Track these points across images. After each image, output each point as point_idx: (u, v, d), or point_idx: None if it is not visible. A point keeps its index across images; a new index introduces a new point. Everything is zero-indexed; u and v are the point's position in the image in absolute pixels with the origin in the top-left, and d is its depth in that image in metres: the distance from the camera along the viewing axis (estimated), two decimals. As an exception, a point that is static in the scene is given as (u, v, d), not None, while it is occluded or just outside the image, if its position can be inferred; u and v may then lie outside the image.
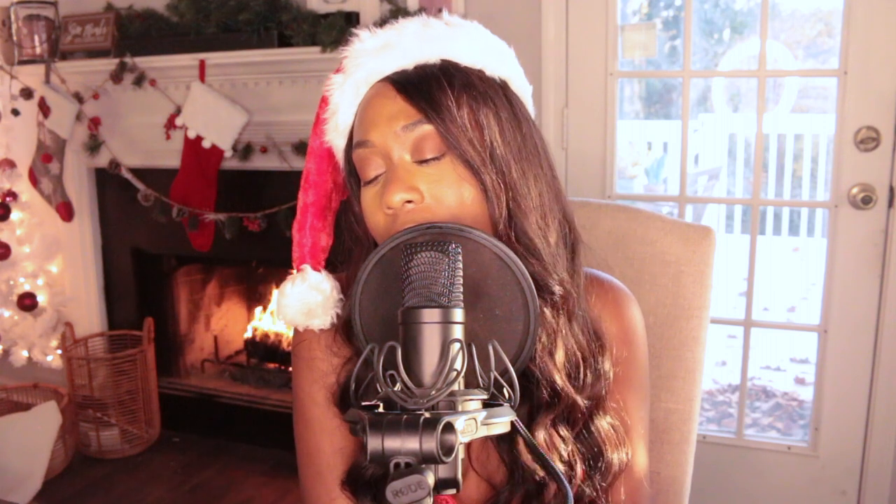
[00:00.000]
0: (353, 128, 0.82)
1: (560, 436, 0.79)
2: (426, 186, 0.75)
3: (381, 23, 0.85)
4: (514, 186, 0.77)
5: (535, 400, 0.78)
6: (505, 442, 0.79)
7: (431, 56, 0.79)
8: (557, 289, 0.78)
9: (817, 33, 4.88)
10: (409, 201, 0.75)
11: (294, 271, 0.88)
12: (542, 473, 0.78)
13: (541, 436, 0.78)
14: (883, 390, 1.96)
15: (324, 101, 0.86)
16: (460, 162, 0.76)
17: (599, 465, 0.81)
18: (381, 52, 0.80)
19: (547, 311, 0.78)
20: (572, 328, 0.81)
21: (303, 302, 0.84)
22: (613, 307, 0.89)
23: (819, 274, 2.12)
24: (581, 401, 0.80)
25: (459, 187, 0.76)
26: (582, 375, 0.81)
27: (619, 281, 0.93)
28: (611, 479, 0.82)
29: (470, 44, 0.81)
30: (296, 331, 0.90)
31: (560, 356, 0.79)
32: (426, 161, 0.76)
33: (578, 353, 0.81)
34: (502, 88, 0.82)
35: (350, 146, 0.83)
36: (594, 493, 0.81)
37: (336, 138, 0.85)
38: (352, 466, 0.85)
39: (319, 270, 0.86)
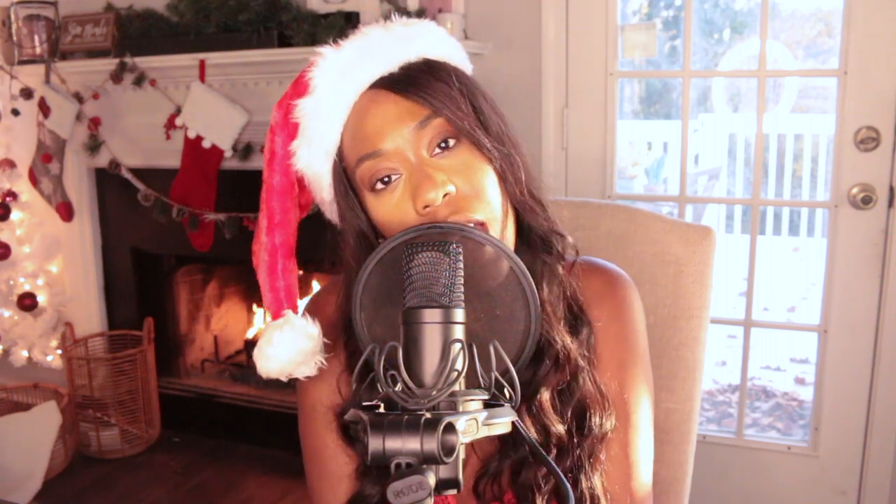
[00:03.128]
0: (341, 145, 0.80)
1: (560, 400, 0.81)
2: (456, 176, 0.76)
3: (334, 37, 0.83)
4: (518, 159, 0.81)
5: (543, 364, 0.79)
6: None
7: (410, 55, 0.79)
8: (569, 240, 0.84)
9: (817, 33, 4.88)
10: (446, 194, 0.75)
11: (269, 319, 0.82)
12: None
13: (545, 396, 0.79)
14: (883, 390, 1.96)
15: (274, 133, 0.82)
16: (474, 146, 0.77)
17: (584, 429, 0.82)
18: (358, 62, 0.78)
19: (559, 268, 0.82)
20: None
21: (295, 351, 0.78)
22: (607, 287, 0.89)
23: (819, 274, 2.12)
24: (583, 364, 0.82)
25: (481, 169, 0.78)
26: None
27: (618, 267, 0.94)
28: (592, 443, 0.82)
29: (433, 40, 0.82)
30: (299, 381, 0.86)
31: (560, 315, 0.82)
32: (442, 153, 0.77)
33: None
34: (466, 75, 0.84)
35: (338, 165, 0.81)
36: (582, 461, 0.81)
37: (316, 164, 0.81)
38: (354, 494, 0.84)
39: (298, 314, 0.81)
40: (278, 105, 0.83)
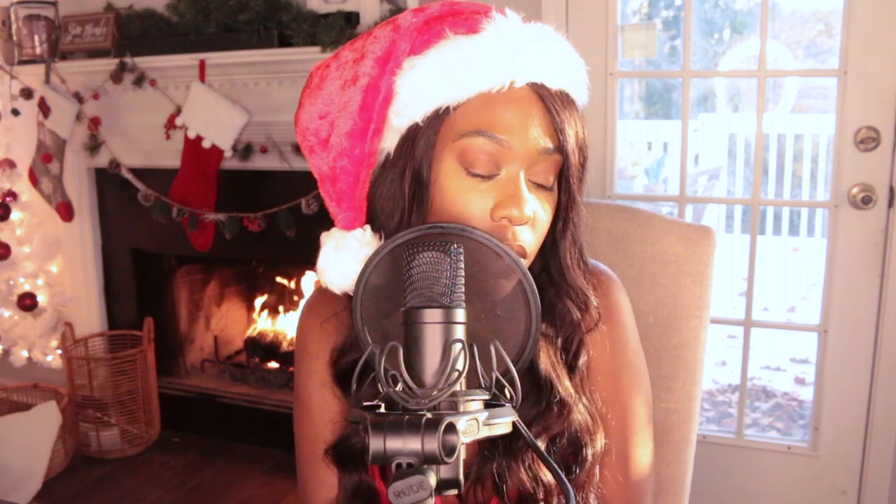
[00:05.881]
0: (459, 105, 0.75)
1: (553, 446, 0.81)
2: (534, 211, 0.77)
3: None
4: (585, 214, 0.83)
5: (551, 413, 0.79)
6: None
7: (568, 81, 0.78)
8: (598, 309, 0.84)
9: (817, 33, 4.89)
10: (525, 221, 0.75)
11: (341, 229, 0.80)
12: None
13: (541, 445, 0.79)
14: (883, 390, 1.96)
15: (399, 35, 0.76)
16: (559, 196, 0.79)
17: (576, 465, 0.82)
18: (537, 53, 0.75)
19: (576, 314, 0.82)
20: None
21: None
22: (597, 291, 0.88)
23: (819, 274, 2.12)
24: (580, 413, 0.82)
25: (548, 218, 0.79)
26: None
27: (607, 267, 0.94)
28: (587, 471, 0.82)
29: (582, 80, 0.81)
30: (319, 290, 0.85)
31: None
32: (541, 186, 0.78)
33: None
34: None
35: (445, 113, 0.75)
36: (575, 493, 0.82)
37: (424, 95, 0.75)
38: (338, 439, 0.85)
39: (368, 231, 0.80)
40: (416, 12, 0.77)
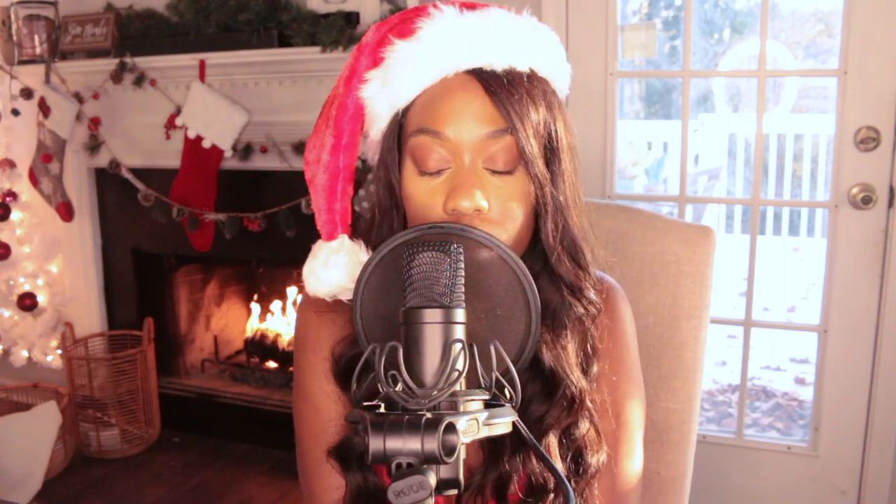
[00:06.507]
0: (409, 106, 0.78)
1: (562, 443, 0.80)
2: (495, 199, 0.75)
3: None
4: (571, 199, 0.80)
5: (559, 404, 0.79)
6: None
7: (520, 61, 0.77)
8: (594, 301, 0.82)
9: (817, 33, 4.89)
10: (478, 209, 0.74)
11: (323, 241, 0.83)
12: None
13: (553, 441, 0.79)
14: (883, 390, 1.96)
15: (362, 53, 0.80)
16: (529, 179, 0.76)
17: (579, 468, 0.82)
18: (472, 40, 0.75)
19: (582, 311, 0.81)
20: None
21: (348, 277, 0.79)
22: (604, 302, 0.88)
23: (819, 274, 2.12)
24: (591, 408, 0.81)
25: (523, 203, 0.77)
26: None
27: (611, 277, 0.94)
28: (587, 482, 0.82)
29: (548, 53, 0.80)
30: (303, 320, 0.87)
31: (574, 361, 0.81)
32: (498, 173, 0.76)
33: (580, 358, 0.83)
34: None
35: (398, 119, 0.79)
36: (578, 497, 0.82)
37: (380, 104, 0.79)
38: (342, 440, 0.84)
39: (353, 240, 0.82)
40: (377, 27, 0.80)
